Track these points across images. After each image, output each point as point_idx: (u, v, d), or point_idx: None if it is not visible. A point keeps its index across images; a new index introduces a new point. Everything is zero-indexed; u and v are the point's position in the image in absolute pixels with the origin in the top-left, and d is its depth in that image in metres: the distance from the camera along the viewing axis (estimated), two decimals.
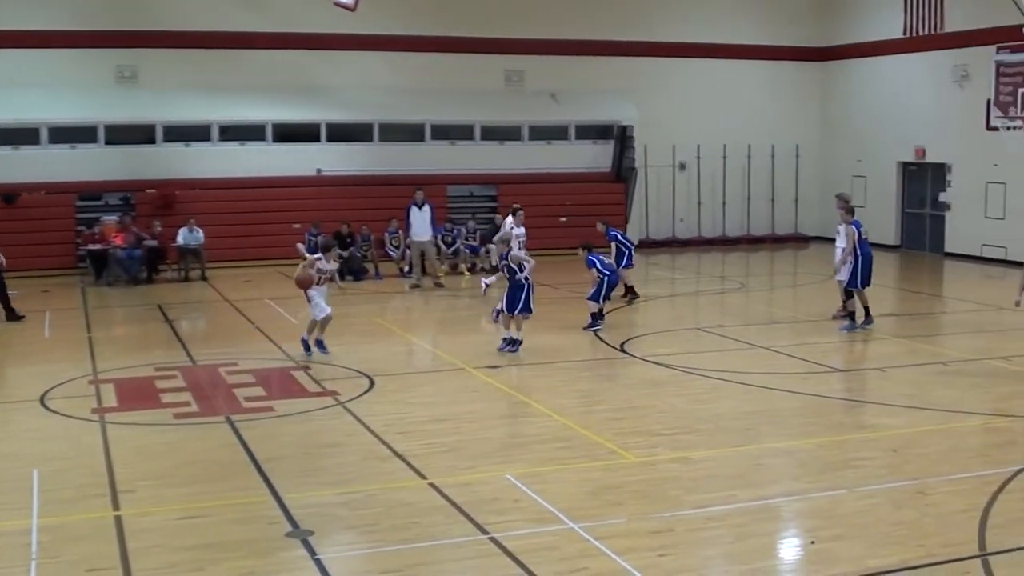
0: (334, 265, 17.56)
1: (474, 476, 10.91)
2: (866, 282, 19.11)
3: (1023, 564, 8.77)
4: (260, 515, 9.80)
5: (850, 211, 19.34)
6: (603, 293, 19.53)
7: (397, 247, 27.34)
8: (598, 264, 19.62)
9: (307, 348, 17.01)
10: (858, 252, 18.94)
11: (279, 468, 11.17)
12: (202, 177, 28.82)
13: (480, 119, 31.89)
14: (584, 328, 19.16)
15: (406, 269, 26.62)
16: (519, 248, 20.01)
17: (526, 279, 17.14)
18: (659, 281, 25.56)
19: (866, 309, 19.30)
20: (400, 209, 27.62)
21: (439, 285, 25.32)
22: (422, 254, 25.49)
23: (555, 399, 14.18)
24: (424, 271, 25.57)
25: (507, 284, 17.38)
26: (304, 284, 16.82)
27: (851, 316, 19.21)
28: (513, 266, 17.25)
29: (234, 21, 29.52)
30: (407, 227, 25.43)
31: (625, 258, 21.92)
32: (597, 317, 19.42)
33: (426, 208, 25.12)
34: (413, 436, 12.44)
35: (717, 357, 17.39)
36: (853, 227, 19.02)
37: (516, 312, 17.18)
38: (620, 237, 22.39)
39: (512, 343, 17.26)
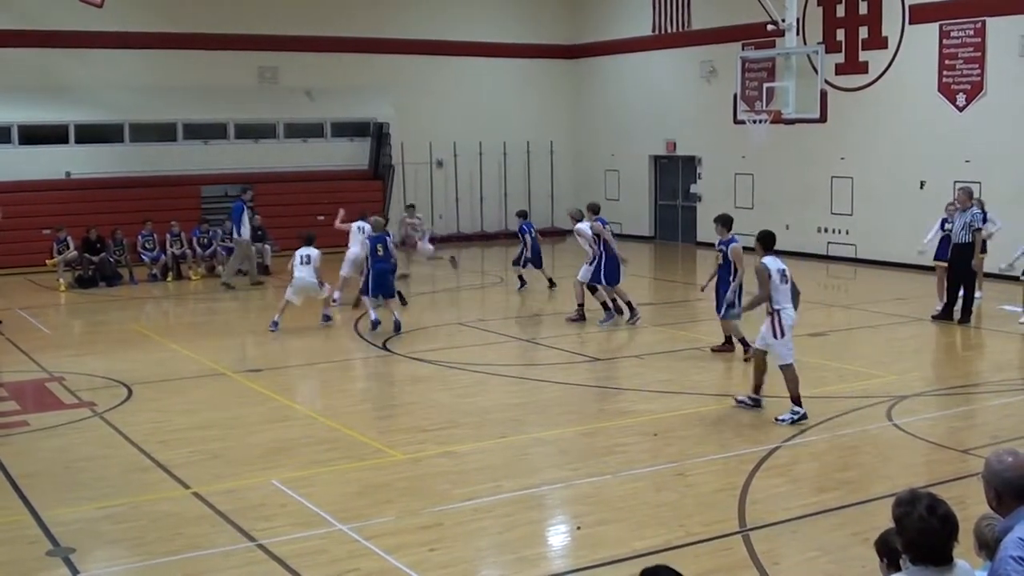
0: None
1: (239, 483, 10.71)
2: (618, 278, 19.28)
3: (781, 537, 9.16)
4: (18, 535, 9.39)
5: (594, 210, 19.76)
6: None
7: (151, 250, 26.56)
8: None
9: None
10: (601, 250, 19.13)
11: (37, 485, 10.72)
12: None
13: (233, 117, 31.32)
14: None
15: (219, 269, 26.46)
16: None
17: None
18: (419, 278, 25.59)
19: (628, 304, 19.61)
20: (152, 211, 27.01)
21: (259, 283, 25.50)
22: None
23: (319, 401, 14.08)
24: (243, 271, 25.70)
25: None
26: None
27: (605, 308, 19.35)
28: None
29: None
30: (238, 227, 25.02)
31: (523, 257, 23.02)
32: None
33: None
34: (175, 445, 12.14)
35: (480, 351, 17.57)
36: (599, 223, 19.31)
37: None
38: (531, 234, 23.20)
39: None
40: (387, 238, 19.26)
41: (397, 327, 18.74)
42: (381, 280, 18.78)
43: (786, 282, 12.96)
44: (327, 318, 19.57)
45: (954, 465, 11.14)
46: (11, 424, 13.16)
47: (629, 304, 19.54)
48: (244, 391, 14.90)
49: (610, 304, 19.45)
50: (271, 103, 31.77)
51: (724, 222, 16.37)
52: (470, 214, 35.06)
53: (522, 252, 23.41)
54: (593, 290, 19.51)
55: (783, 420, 12.63)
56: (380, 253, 18.82)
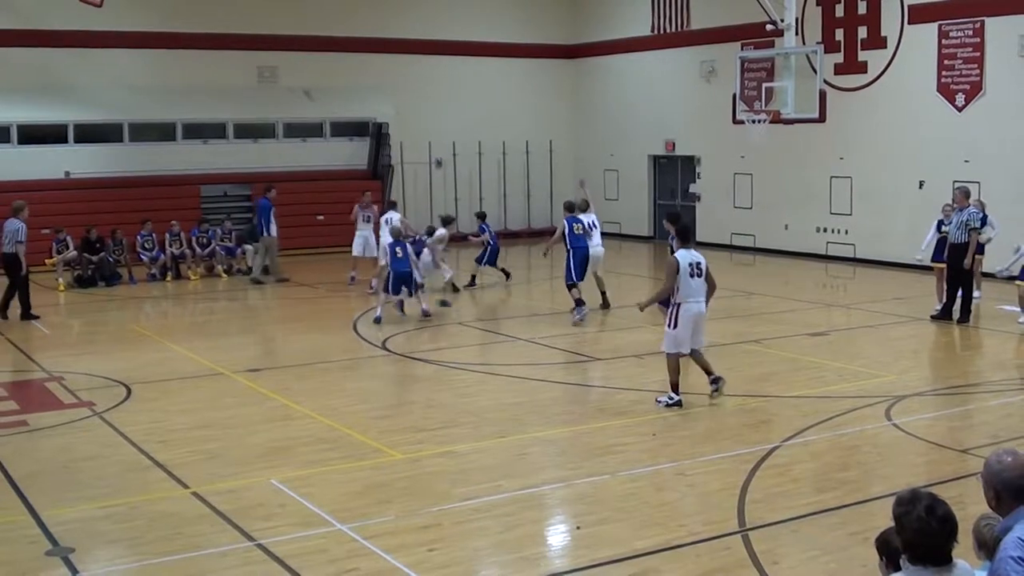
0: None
1: (238, 483, 10.71)
2: (580, 276, 19.65)
3: (781, 537, 9.14)
4: (18, 535, 9.38)
5: (568, 208, 20.24)
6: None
7: (151, 249, 26.55)
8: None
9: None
10: (569, 247, 19.55)
11: (36, 484, 10.71)
12: None
13: (233, 117, 31.33)
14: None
15: (249, 268, 26.70)
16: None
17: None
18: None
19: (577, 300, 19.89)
20: (151, 211, 27.00)
21: (284, 280, 25.79)
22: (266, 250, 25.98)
23: (318, 400, 14.05)
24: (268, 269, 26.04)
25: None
26: None
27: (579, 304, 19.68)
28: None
29: None
30: (268, 224, 25.45)
31: (485, 254, 24.06)
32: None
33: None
34: (174, 444, 12.14)
35: (479, 351, 17.60)
36: (566, 223, 19.73)
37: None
38: (488, 233, 24.36)
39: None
40: (405, 243, 20.21)
41: (425, 313, 20.16)
42: (401, 280, 19.73)
43: (699, 276, 13.33)
44: (444, 303, 21.31)
45: (953, 465, 11.14)
46: (11, 424, 13.15)
47: (578, 300, 19.90)
48: (243, 391, 14.90)
49: (583, 299, 19.69)
50: (271, 103, 31.77)
51: (675, 220, 16.58)
52: (469, 214, 34.97)
53: (485, 251, 24.20)
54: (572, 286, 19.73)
55: (660, 402, 13.44)
56: (399, 256, 19.76)
